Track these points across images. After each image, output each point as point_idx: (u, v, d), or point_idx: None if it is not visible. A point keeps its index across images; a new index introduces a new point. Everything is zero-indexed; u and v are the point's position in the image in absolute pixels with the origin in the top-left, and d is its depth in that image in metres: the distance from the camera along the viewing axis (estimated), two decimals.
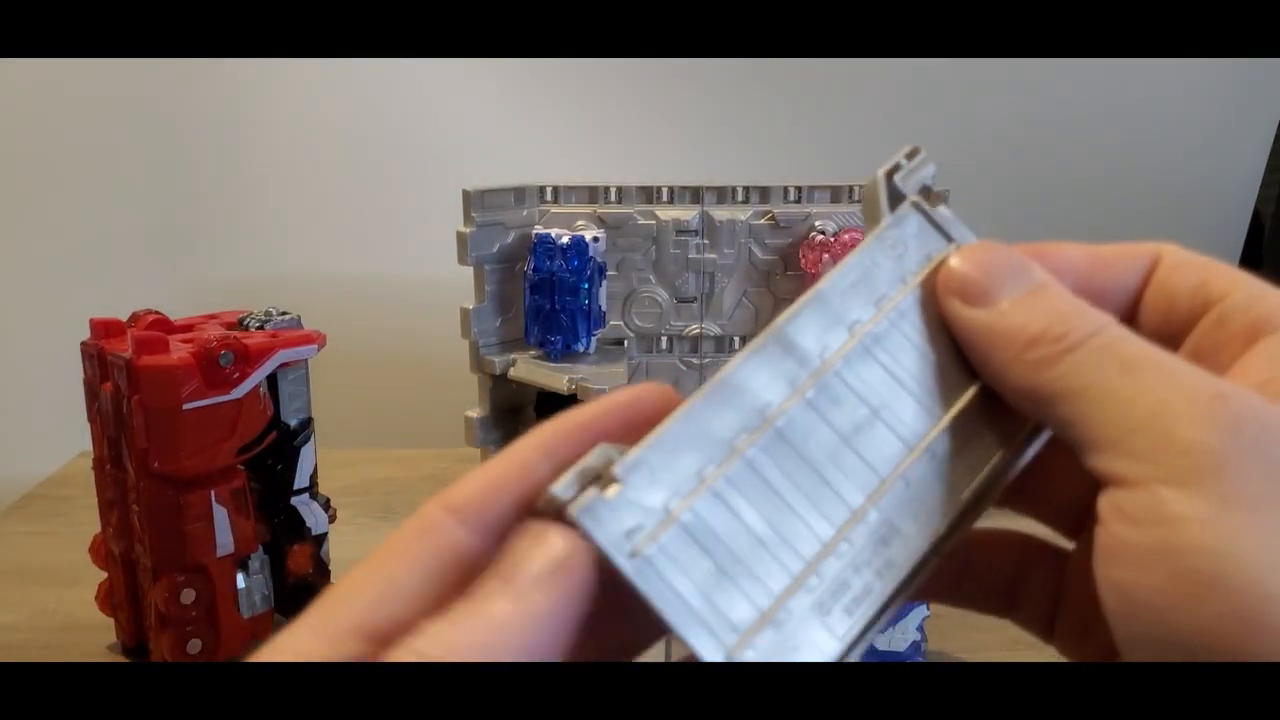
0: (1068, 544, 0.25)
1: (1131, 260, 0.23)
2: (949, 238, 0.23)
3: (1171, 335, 0.23)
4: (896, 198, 0.24)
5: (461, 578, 0.18)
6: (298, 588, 0.54)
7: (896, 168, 0.25)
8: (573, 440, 0.19)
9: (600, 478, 0.18)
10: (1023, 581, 0.25)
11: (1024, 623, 0.25)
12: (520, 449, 0.19)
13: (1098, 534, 0.18)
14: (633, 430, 0.19)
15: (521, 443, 0.19)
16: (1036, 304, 0.21)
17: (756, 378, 0.20)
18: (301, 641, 0.17)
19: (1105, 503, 0.18)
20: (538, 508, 0.18)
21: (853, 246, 0.65)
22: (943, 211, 0.24)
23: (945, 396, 0.21)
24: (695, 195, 0.68)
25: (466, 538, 0.19)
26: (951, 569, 0.24)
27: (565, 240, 0.64)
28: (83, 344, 0.52)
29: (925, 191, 0.24)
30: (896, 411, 0.21)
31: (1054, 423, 0.20)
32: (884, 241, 0.23)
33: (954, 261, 0.22)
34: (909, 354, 0.21)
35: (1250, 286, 0.23)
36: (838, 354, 0.21)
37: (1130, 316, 0.23)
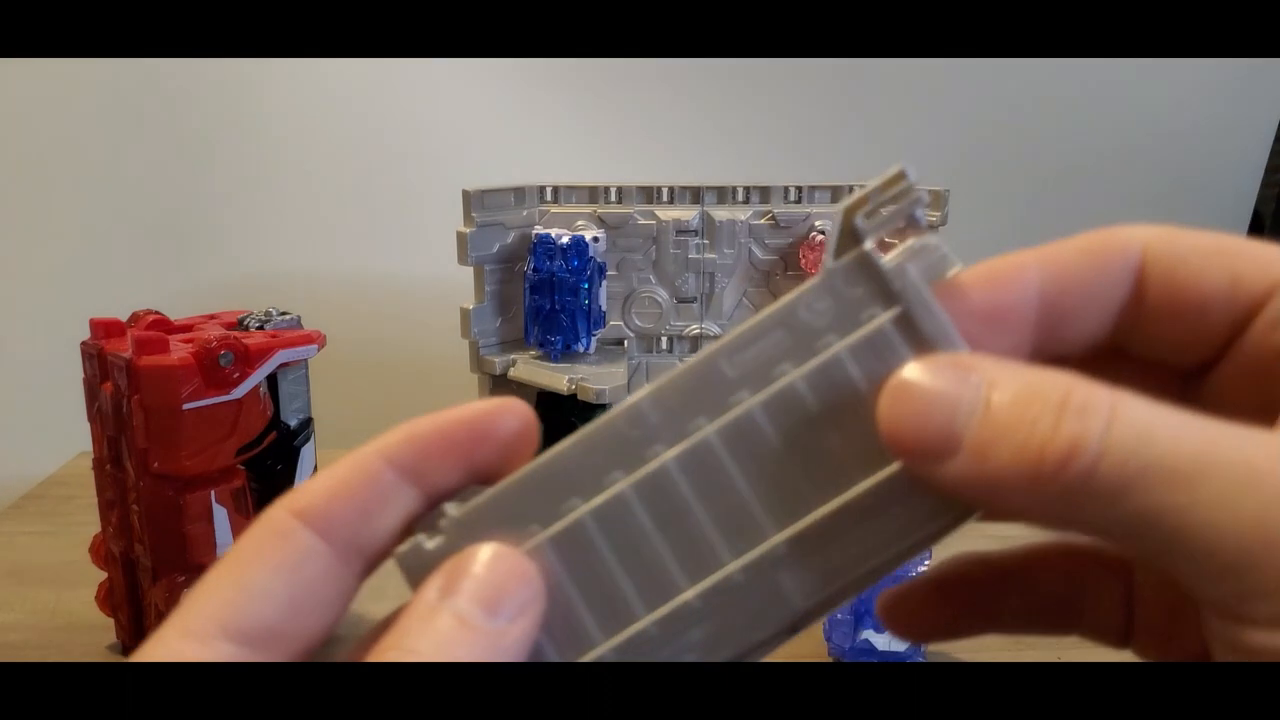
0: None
1: (1106, 261, 0.19)
2: (897, 302, 0.18)
3: (1202, 350, 0.19)
4: (854, 240, 0.19)
5: (315, 580, 0.19)
6: None
7: (864, 201, 0.19)
8: (417, 448, 0.19)
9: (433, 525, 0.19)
10: (1082, 594, 0.22)
11: (1092, 636, 0.22)
12: (364, 455, 0.20)
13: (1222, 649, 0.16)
14: (482, 444, 0.19)
15: (367, 448, 0.20)
16: (1011, 423, 0.16)
17: (597, 451, 0.19)
18: (172, 646, 0.18)
19: (1227, 631, 0.16)
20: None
21: None
22: (909, 274, 0.18)
23: (826, 485, 0.18)
24: (695, 195, 0.68)
25: (314, 542, 0.19)
26: (994, 597, 0.22)
27: (565, 240, 0.64)
28: (83, 344, 0.52)
29: (905, 235, 0.19)
30: (745, 507, 0.18)
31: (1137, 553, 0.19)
32: (807, 300, 0.19)
33: (891, 413, 0.17)
34: (776, 448, 0.18)
35: None
36: (694, 437, 0.18)
37: (1126, 331, 0.20)
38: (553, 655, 0.19)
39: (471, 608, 0.18)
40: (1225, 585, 0.15)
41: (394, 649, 0.17)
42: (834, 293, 0.18)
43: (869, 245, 0.18)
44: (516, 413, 0.20)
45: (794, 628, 0.18)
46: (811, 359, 0.18)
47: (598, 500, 0.19)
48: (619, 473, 0.19)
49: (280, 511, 0.19)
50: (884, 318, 0.18)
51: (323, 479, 0.19)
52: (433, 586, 0.19)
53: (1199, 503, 0.15)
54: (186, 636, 0.18)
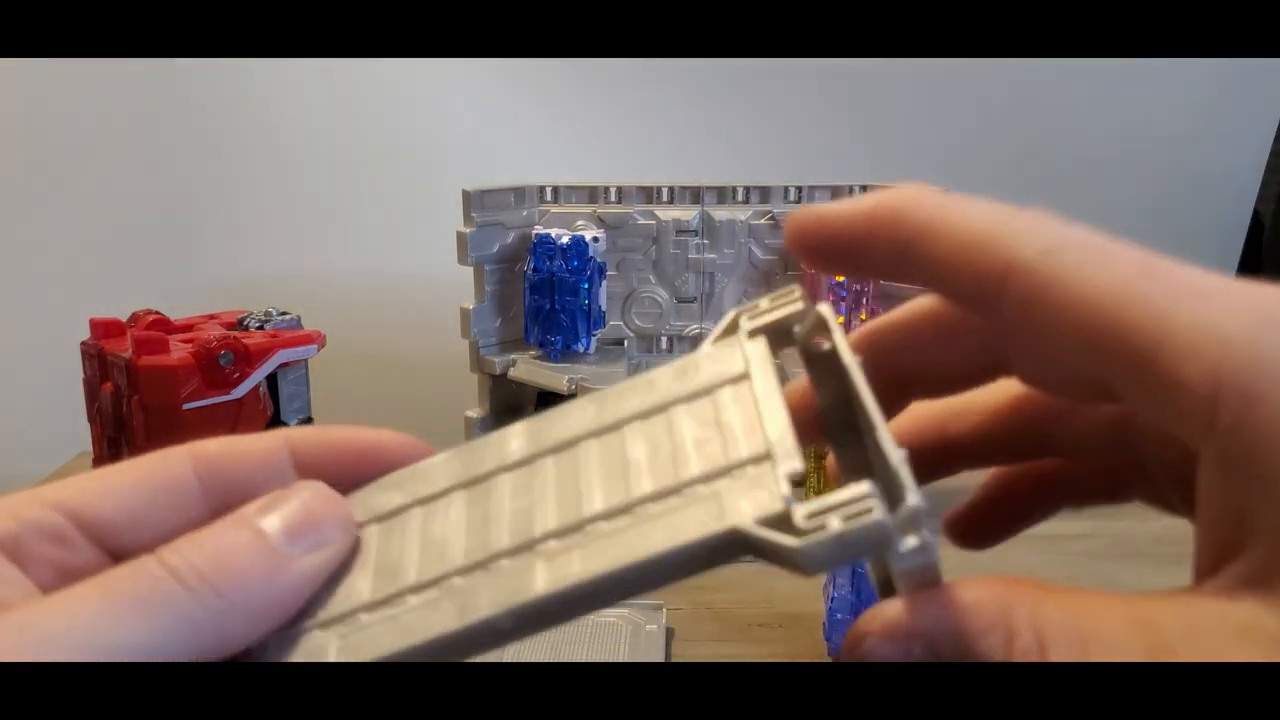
0: None
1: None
2: (747, 377, 0.20)
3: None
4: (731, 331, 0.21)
5: (173, 506, 0.20)
6: None
7: (755, 308, 0.21)
8: (320, 450, 0.21)
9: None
10: (1128, 461, 0.22)
11: (1150, 502, 0.23)
12: (273, 438, 0.21)
13: None
14: (370, 469, 0.21)
15: (279, 434, 0.21)
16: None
17: (457, 460, 0.21)
18: None
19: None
20: None
21: None
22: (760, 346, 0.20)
23: (612, 495, 0.19)
24: (695, 195, 0.68)
25: (191, 480, 0.20)
26: (1050, 484, 0.24)
27: (565, 240, 0.64)
28: (83, 344, 0.52)
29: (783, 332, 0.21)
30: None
31: None
32: (666, 372, 0.21)
33: None
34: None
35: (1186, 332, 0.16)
36: (535, 462, 0.20)
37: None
38: (320, 604, 0.19)
39: (275, 527, 0.19)
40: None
41: (189, 541, 0.18)
42: (696, 367, 0.20)
43: (747, 330, 0.21)
44: (408, 446, 0.22)
45: (534, 619, 0.18)
46: (657, 413, 0.20)
47: (428, 492, 0.20)
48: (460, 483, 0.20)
49: (183, 446, 0.21)
50: (726, 382, 0.20)
51: (234, 440, 0.21)
52: (256, 503, 0.19)
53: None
54: (11, 504, 0.19)
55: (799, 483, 0.17)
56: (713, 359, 0.20)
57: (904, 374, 0.22)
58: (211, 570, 0.17)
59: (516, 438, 0.21)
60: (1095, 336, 0.17)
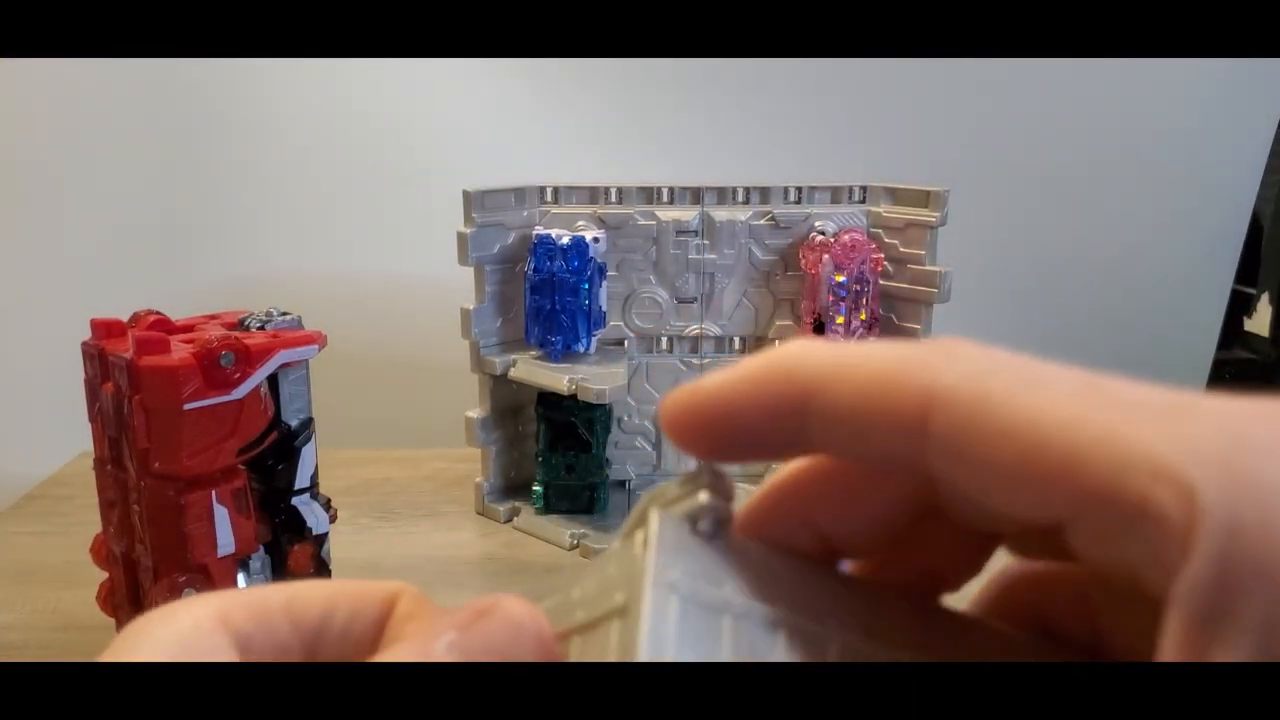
0: None
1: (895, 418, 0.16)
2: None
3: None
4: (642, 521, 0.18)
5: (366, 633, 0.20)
6: None
7: (664, 496, 0.18)
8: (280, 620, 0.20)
9: None
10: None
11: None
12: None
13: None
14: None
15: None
16: None
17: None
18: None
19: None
20: None
21: (852, 247, 0.65)
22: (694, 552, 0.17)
23: None
24: (695, 195, 0.68)
25: (381, 609, 0.20)
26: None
27: (565, 241, 0.64)
28: (83, 344, 0.52)
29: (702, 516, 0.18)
30: None
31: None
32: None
33: None
34: None
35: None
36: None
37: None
38: None
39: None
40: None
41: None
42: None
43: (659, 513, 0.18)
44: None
45: None
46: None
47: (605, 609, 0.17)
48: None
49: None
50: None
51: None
52: (447, 634, 0.17)
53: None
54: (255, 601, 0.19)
55: None
56: (618, 562, 0.17)
57: (824, 538, 0.19)
58: None
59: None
60: (1040, 470, 0.14)
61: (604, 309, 0.67)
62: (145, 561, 0.50)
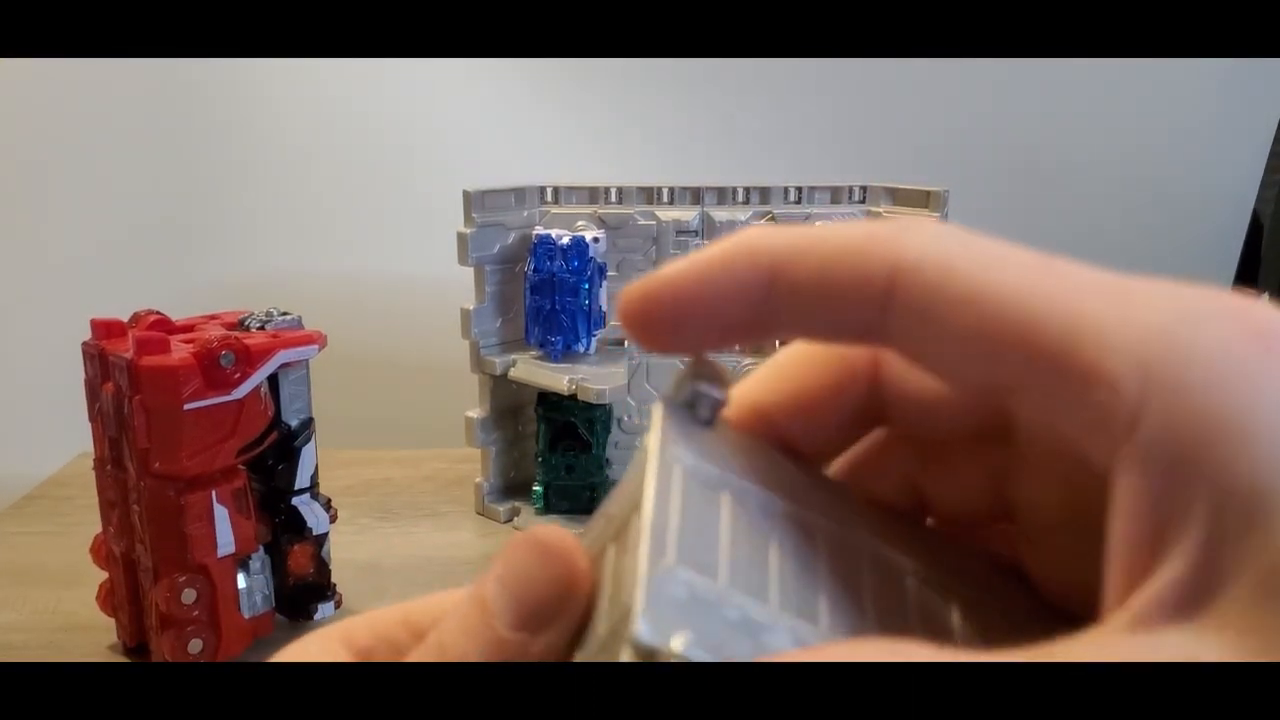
0: None
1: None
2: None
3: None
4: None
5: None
6: (299, 588, 0.54)
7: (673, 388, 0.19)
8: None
9: None
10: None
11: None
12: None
13: None
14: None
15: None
16: None
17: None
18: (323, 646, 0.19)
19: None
20: None
21: None
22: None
23: None
24: (695, 195, 0.68)
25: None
26: None
27: (566, 241, 0.64)
28: (83, 344, 0.52)
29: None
30: None
31: None
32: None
33: None
34: None
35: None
36: None
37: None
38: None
39: (502, 612, 0.18)
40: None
41: (435, 631, 0.18)
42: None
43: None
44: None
45: None
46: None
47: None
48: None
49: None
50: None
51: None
52: (495, 570, 0.18)
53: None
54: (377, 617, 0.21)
55: None
56: (631, 473, 0.18)
57: (798, 445, 0.20)
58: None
59: None
60: (998, 335, 0.15)
61: (604, 309, 0.67)
62: (145, 561, 0.50)
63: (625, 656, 0.14)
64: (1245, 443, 0.13)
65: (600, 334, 0.67)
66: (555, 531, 0.18)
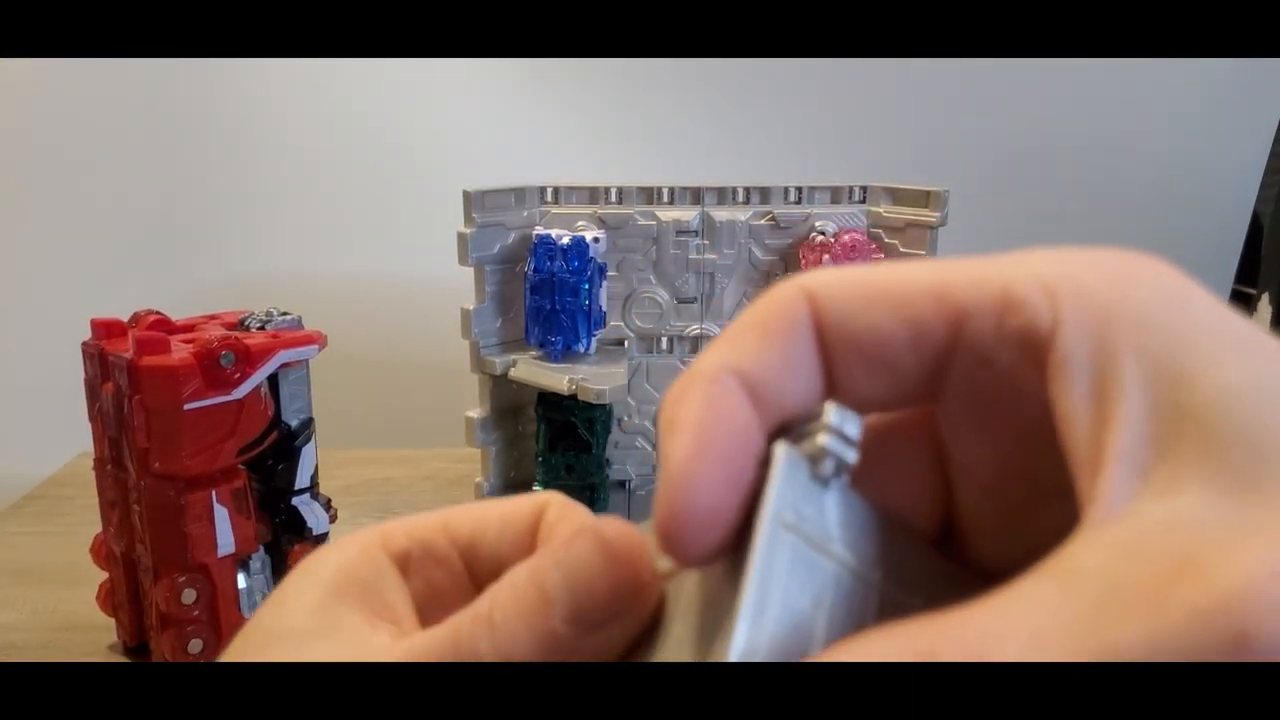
0: None
1: (786, 341, 0.17)
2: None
3: (917, 394, 0.18)
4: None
5: (518, 539, 0.21)
6: None
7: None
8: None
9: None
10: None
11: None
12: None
13: None
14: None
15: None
16: None
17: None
18: None
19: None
20: None
21: (852, 247, 0.65)
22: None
23: None
24: (695, 195, 0.68)
25: (533, 520, 0.22)
26: None
27: (566, 241, 0.64)
28: (83, 344, 0.52)
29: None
30: None
31: None
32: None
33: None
34: None
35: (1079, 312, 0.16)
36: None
37: (838, 392, 0.18)
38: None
39: (560, 604, 0.18)
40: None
41: (485, 625, 0.18)
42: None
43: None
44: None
45: None
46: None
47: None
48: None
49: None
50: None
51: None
52: (555, 553, 0.18)
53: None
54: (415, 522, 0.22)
55: None
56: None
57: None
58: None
59: None
60: (913, 309, 0.16)
61: (604, 309, 0.67)
62: (145, 561, 0.50)
63: None
64: (1149, 324, 0.15)
65: (600, 334, 0.67)
66: (623, 531, 0.18)
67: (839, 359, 0.17)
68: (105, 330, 0.51)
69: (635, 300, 0.69)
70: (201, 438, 0.48)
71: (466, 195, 0.65)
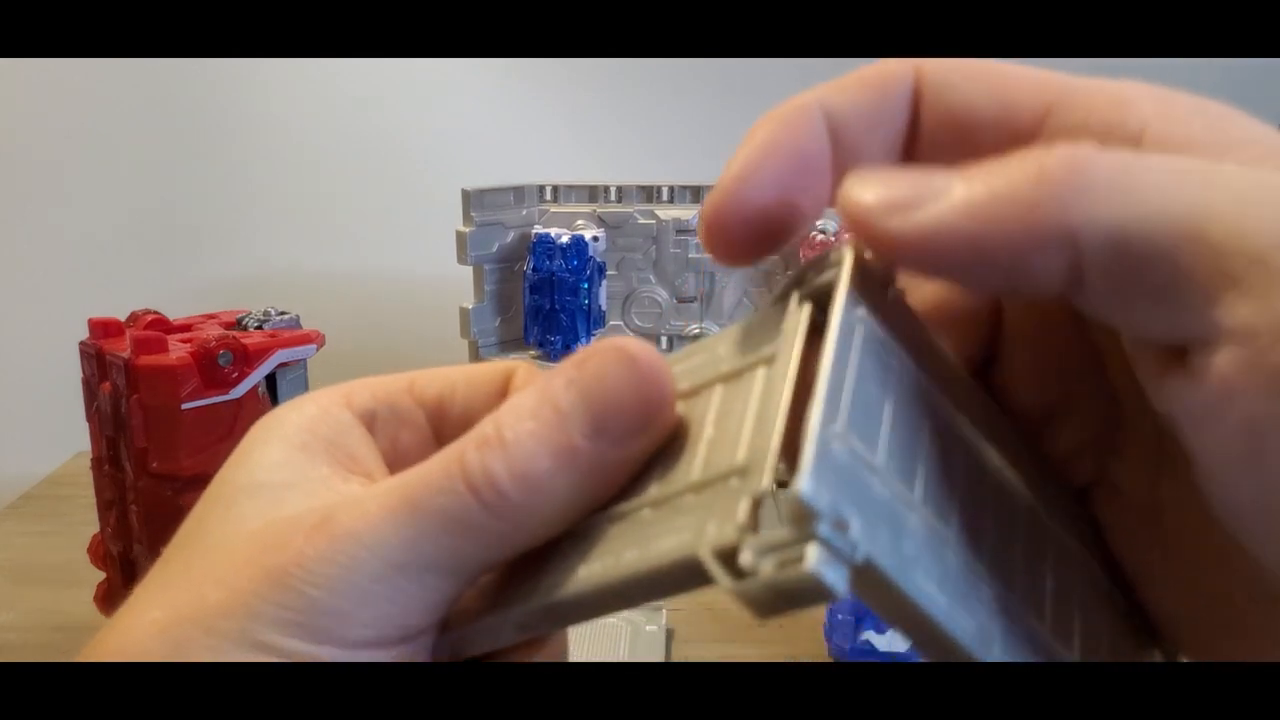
0: None
1: (883, 92, 0.18)
2: None
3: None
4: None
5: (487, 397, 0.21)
6: None
7: (816, 266, 0.18)
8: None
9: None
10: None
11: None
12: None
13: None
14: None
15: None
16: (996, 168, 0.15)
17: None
18: None
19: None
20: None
21: None
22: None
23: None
24: (695, 195, 0.68)
25: (503, 381, 0.21)
26: None
27: (565, 240, 0.64)
28: (81, 344, 0.52)
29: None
30: None
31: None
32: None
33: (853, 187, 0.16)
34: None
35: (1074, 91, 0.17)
36: None
37: (908, 162, 0.18)
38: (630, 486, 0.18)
39: (578, 418, 0.17)
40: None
41: (496, 447, 0.17)
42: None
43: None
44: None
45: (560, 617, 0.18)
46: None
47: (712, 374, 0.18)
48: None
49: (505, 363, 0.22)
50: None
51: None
52: (565, 373, 0.18)
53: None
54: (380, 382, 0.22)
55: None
56: (764, 325, 0.18)
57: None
58: (514, 488, 0.17)
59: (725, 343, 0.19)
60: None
61: (603, 308, 0.67)
62: (143, 561, 0.50)
63: (740, 504, 0.14)
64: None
65: (599, 333, 0.67)
66: (644, 346, 0.18)
67: (926, 130, 0.18)
68: (103, 330, 0.51)
69: (635, 299, 0.69)
70: (199, 437, 0.48)
71: (465, 194, 0.65)
